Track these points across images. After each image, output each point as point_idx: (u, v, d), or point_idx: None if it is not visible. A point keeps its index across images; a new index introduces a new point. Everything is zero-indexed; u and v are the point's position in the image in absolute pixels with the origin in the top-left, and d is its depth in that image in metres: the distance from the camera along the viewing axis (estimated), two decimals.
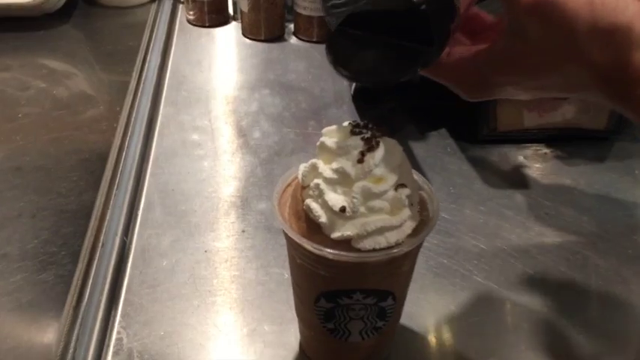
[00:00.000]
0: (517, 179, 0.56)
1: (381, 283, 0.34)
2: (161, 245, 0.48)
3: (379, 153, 0.31)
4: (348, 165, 0.31)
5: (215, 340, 0.40)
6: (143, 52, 0.75)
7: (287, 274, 0.41)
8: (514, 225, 0.50)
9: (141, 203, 0.52)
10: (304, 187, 0.33)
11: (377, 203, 0.31)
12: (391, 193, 0.31)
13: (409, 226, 0.32)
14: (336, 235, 0.31)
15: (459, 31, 0.36)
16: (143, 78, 0.69)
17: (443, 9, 0.32)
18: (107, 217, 0.49)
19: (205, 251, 0.47)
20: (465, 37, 0.37)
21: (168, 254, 0.47)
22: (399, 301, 0.36)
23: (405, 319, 0.40)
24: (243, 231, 0.49)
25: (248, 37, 0.81)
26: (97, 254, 0.46)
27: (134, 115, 0.62)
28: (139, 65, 0.72)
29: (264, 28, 0.79)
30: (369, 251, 0.31)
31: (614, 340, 0.41)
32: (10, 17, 0.79)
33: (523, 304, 0.43)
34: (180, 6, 0.89)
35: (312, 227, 0.32)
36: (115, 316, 0.42)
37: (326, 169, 0.31)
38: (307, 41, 0.80)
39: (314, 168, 0.32)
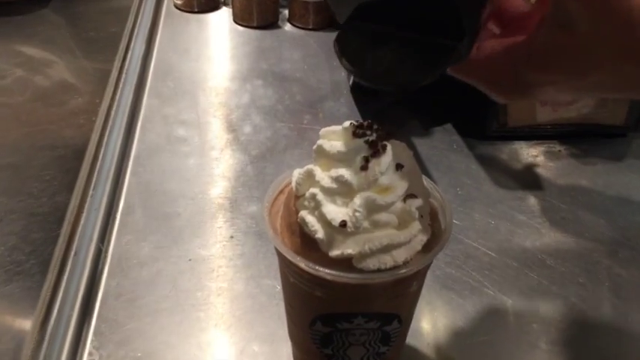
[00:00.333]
0: (529, 179, 0.52)
1: (385, 306, 0.30)
2: (141, 253, 0.44)
3: (386, 159, 0.27)
4: (349, 173, 0.27)
5: None
6: (126, 38, 0.71)
7: (280, 286, 0.37)
8: (528, 231, 0.46)
9: (119, 205, 0.48)
10: (298, 197, 0.29)
11: (383, 217, 0.27)
12: (399, 205, 0.27)
13: (419, 242, 0.28)
14: (335, 253, 0.27)
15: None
16: (126, 67, 0.65)
17: None
18: (82, 222, 0.45)
19: (190, 260, 0.43)
20: (495, 26, 0.32)
21: (149, 263, 0.43)
22: (405, 323, 0.32)
23: (408, 338, 0.36)
24: (232, 237, 0.45)
25: (239, 24, 0.77)
26: (69, 263, 0.42)
27: (115, 107, 0.59)
28: (122, 53, 0.68)
29: (257, 14, 0.76)
30: (373, 272, 0.27)
31: None
32: None
33: (540, 320, 0.40)
34: None
35: (307, 242, 0.28)
36: (87, 334, 0.38)
37: (324, 177, 0.27)
38: (303, 28, 0.77)
39: (310, 175, 0.28)
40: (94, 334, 0.38)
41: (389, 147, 0.27)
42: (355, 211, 0.26)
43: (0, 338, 0.37)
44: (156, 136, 0.56)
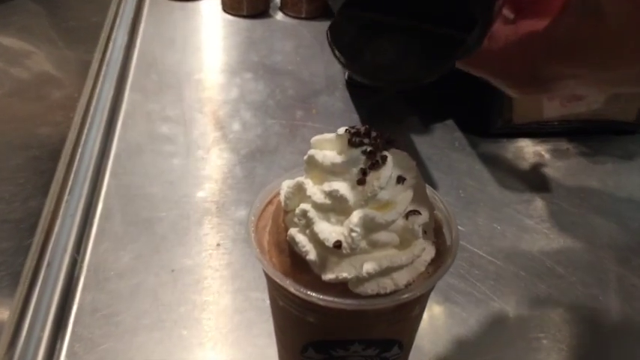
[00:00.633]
0: (536, 180, 0.49)
1: (385, 332, 0.27)
2: (119, 263, 0.41)
3: (385, 171, 0.23)
4: (345, 187, 0.24)
5: None
6: (108, 28, 0.67)
7: None
8: (536, 236, 0.44)
9: (97, 211, 0.45)
10: (288, 212, 0.25)
11: (382, 236, 0.24)
12: (400, 223, 0.24)
13: (422, 263, 0.25)
14: (328, 277, 0.24)
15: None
16: (107, 59, 0.62)
17: None
18: (55, 229, 0.43)
19: (172, 270, 0.40)
20: (508, 11, 0.28)
21: (128, 274, 0.40)
22: (406, 348, 0.29)
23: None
24: (219, 244, 0.42)
25: (228, 13, 0.74)
26: (41, 275, 0.39)
27: (94, 102, 0.55)
28: (103, 44, 0.64)
29: (247, 3, 0.72)
30: (371, 297, 0.24)
31: None
32: None
33: (551, 336, 0.37)
34: None
35: (298, 263, 0.25)
36: (59, 355, 0.35)
37: (316, 191, 0.24)
38: (295, 17, 0.74)
39: (300, 189, 0.24)
40: (67, 355, 0.35)
41: (389, 157, 0.24)
42: (351, 230, 0.23)
43: None
44: (138, 134, 0.53)
